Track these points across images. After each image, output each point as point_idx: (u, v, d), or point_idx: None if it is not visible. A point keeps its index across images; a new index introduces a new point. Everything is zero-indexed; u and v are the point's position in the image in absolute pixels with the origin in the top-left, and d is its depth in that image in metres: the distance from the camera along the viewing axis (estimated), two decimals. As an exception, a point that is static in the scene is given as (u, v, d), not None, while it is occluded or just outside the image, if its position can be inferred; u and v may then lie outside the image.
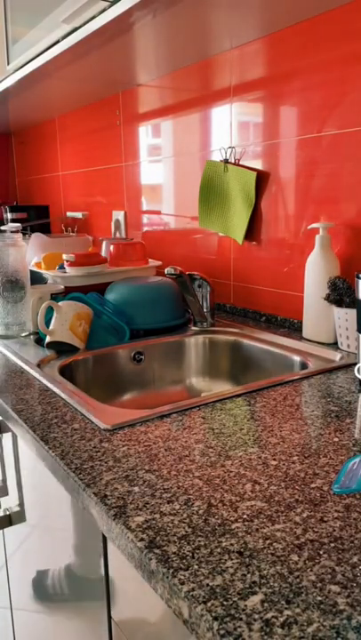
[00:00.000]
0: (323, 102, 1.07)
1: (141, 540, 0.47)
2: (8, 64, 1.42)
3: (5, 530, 1.06)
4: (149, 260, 1.49)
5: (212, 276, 1.45)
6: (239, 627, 0.38)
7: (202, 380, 1.22)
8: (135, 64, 1.38)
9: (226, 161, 1.31)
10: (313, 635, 0.37)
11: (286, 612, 0.39)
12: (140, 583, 0.55)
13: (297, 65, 1.11)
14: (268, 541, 0.47)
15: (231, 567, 0.44)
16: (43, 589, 0.88)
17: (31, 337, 1.19)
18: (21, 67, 1.40)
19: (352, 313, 0.98)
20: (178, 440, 0.67)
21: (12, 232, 1.20)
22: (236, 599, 0.40)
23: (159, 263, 1.48)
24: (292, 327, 1.21)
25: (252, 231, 1.29)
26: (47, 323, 1.11)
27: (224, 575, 0.43)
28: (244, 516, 0.50)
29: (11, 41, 1.39)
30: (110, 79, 1.53)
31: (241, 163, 1.29)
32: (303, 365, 1.00)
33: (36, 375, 0.93)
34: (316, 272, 1.06)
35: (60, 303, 1.09)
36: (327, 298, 1.03)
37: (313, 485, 0.56)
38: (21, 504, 0.93)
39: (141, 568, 0.47)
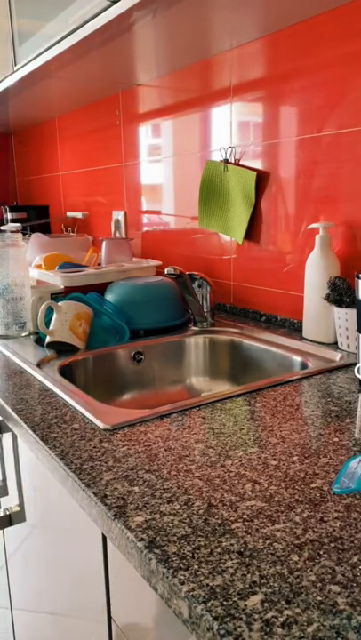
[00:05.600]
0: (323, 102, 1.07)
1: (141, 540, 0.47)
2: (15, 64, 1.42)
3: (5, 530, 1.06)
4: (149, 259, 1.49)
5: (212, 276, 1.45)
6: (239, 627, 0.38)
7: (202, 380, 1.22)
8: (135, 64, 1.38)
9: (226, 161, 1.31)
10: (313, 635, 0.37)
11: (286, 612, 0.39)
12: (140, 583, 0.55)
13: (297, 65, 1.11)
14: (268, 541, 0.47)
15: (231, 567, 0.44)
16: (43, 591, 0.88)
17: (31, 337, 1.19)
18: (22, 66, 1.40)
19: (352, 313, 0.98)
20: (178, 440, 0.67)
21: (11, 232, 1.20)
22: (236, 599, 0.40)
23: (159, 263, 1.48)
24: (292, 327, 1.21)
25: (252, 231, 1.29)
26: (47, 323, 1.11)
27: (224, 575, 0.43)
28: (244, 516, 0.50)
29: (17, 41, 1.38)
30: (110, 79, 1.53)
31: (241, 163, 1.29)
32: (303, 365, 1.00)
33: (36, 375, 0.93)
34: (316, 272, 1.06)
35: (59, 303, 1.09)
36: (327, 298, 1.03)
37: (313, 485, 0.56)
38: (21, 504, 0.93)
39: (141, 568, 0.47)
